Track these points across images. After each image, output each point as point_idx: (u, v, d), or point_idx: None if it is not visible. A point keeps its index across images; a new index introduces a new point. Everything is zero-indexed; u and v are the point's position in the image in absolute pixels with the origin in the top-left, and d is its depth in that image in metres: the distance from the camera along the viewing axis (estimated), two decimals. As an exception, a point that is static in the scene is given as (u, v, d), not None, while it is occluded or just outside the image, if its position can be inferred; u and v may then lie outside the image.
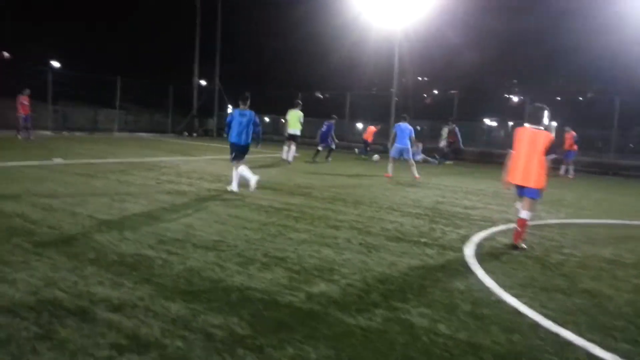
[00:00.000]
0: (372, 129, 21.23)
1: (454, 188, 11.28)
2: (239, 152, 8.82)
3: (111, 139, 22.32)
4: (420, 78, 52.15)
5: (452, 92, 38.24)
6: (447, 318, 3.59)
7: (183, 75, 34.13)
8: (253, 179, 8.55)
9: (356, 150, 21.98)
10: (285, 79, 38.99)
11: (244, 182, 8.60)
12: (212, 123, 31.83)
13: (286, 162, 15.22)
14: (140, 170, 10.91)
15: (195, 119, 30.95)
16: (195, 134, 29.52)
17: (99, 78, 25.45)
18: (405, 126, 13.04)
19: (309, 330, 3.21)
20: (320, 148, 17.28)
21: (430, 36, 31.89)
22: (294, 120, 15.72)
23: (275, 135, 26.93)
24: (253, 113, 8.83)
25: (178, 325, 3.18)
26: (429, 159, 19.82)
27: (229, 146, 8.90)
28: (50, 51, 34.40)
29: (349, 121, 27.45)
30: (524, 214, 5.72)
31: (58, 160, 11.58)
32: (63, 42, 35.82)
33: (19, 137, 17.70)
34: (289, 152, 15.44)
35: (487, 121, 34.28)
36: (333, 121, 18.05)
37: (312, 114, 30.86)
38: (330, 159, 17.23)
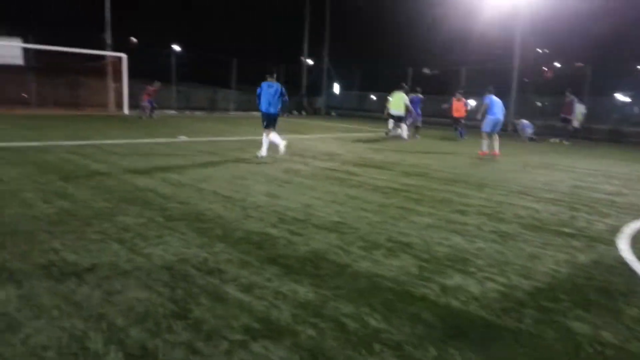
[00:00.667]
0: (458, 101, 17.00)
1: (590, 171, 10.09)
2: (269, 121, 9.55)
3: (228, 117, 23.38)
4: (539, 50, 47.97)
5: (578, 64, 34.66)
6: (612, 325, 3.06)
7: (292, 55, 34.60)
8: (282, 143, 9.76)
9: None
10: (393, 56, 38.04)
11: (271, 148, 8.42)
12: (321, 101, 32.10)
13: (402, 139, 15.30)
14: (256, 148, 11.14)
15: (304, 97, 31.42)
16: (304, 112, 29.98)
17: (216, 60, 26.77)
18: (497, 99, 12.22)
19: (451, 329, 2.89)
20: (418, 125, 16.92)
21: (553, 2, 28.98)
22: (397, 101, 15.73)
23: (382, 114, 26.99)
24: (279, 84, 9.50)
25: (308, 311, 3.03)
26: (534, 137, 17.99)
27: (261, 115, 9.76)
28: (171, 36, 36.80)
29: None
30: None
31: (183, 138, 12.26)
32: (183, 27, 38.13)
33: (143, 118, 19.27)
34: (396, 129, 15.72)
35: (619, 96, 30.64)
36: (417, 95, 17.17)
37: (422, 91, 29.86)
38: (417, 136, 16.72)
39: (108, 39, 22.21)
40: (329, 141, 13.98)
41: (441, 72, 34.98)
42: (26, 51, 20.87)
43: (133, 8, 33.99)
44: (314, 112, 30.99)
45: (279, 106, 9.52)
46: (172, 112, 23.38)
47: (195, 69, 27.24)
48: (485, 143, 12.07)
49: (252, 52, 32.75)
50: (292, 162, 9.31)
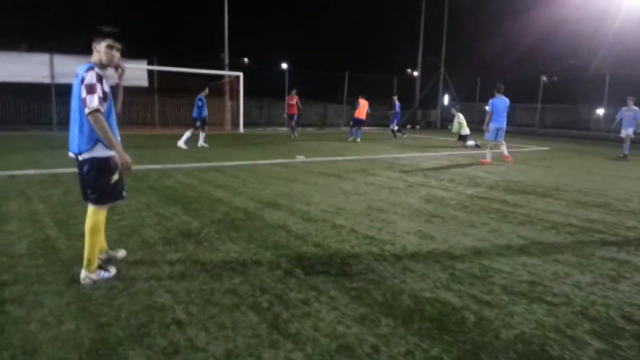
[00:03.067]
0: (364, 102, 18.44)
1: None
2: (203, 123, 13.81)
3: (340, 133, 22.64)
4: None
5: None
6: None
7: (405, 67, 33.27)
8: (183, 141, 13.48)
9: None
10: (512, 64, 35.26)
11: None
12: (435, 114, 30.33)
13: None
14: (381, 169, 10.04)
15: (417, 111, 29.90)
16: (418, 127, 28.46)
17: (328, 76, 26.32)
18: (502, 101, 11.28)
19: None
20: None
21: None
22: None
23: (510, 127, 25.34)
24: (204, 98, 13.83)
25: None
26: None
27: (199, 121, 13.62)
28: (282, 56, 37.56)
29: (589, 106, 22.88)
30: None
31: (301, 158, 11.50)
32: (292, 48, 38.83)
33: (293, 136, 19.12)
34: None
35: None
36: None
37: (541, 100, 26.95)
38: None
39: (226, 59, 22.59)
40: (459, 159, 12.45)
41: (560, 79, 31.67)
42: (150, 73, 21.86)
43: (248, 30, 35.12)
44: (428, 126, 29.34)
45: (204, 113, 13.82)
46: (284, 129, 23.18)
47: (306, 85, 27.07)
48: (488, 152, 11.79)
49: (363, 66, 32.05)
50: (429, 187, 8.03)
